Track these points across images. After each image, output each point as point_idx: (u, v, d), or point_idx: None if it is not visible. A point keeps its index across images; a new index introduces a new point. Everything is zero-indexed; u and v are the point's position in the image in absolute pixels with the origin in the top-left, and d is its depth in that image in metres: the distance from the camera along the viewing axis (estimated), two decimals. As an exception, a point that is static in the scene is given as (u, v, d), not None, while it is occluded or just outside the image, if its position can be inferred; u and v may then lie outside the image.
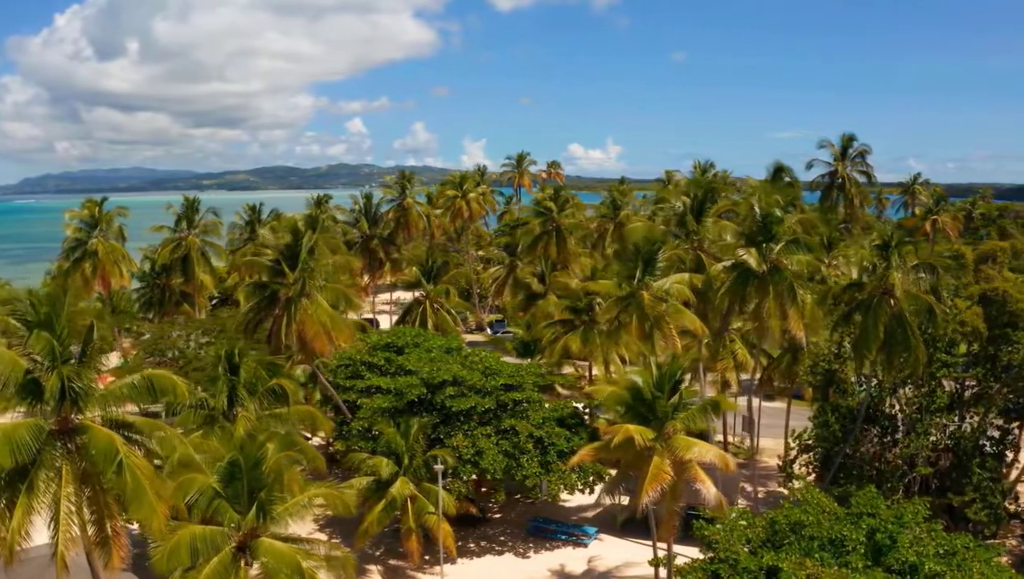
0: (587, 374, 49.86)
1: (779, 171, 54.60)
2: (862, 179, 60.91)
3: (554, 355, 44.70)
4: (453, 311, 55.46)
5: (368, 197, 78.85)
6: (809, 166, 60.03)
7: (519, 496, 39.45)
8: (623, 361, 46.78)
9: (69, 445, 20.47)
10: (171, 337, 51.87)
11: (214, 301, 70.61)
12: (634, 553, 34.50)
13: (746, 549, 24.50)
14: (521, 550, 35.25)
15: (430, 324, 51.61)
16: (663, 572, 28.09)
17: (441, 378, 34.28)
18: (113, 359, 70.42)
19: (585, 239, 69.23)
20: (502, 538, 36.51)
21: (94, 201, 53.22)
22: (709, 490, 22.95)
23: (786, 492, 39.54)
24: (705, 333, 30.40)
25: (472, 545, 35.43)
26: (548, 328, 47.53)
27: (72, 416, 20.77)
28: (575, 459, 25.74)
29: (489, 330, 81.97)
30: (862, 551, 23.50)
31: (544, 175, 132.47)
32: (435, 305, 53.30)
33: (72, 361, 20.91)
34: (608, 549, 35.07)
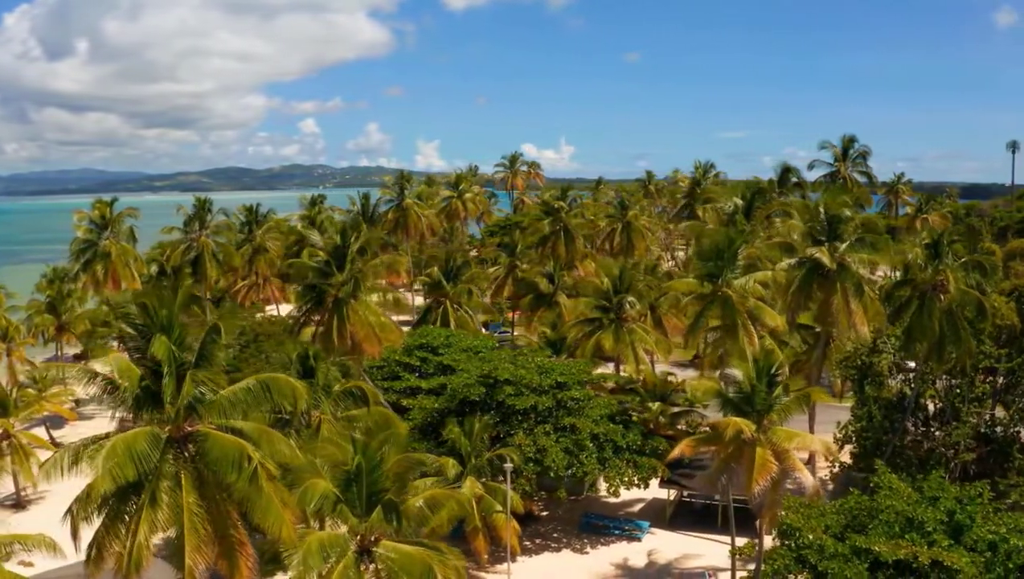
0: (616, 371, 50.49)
1: (786, 172, 56.22)
2: (862, 180, 63.26)
3: (586, 353, 45.18)
4: (471, 311, 55.58)
5: (366, 197, 78.36)
6: (811, 167, 62.10)
7: (559, 493, 39.80)
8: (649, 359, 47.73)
9: (185, 453, 19.91)
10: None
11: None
12: (689, 546, 35.21)
13: (822, 534, 25.29)
14: (577, 546, 35.62)
15: (452, 324, 51.60)
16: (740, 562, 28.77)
17: (503, 377, 34.40)
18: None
19: (588, 239, 70.00)
20: (555, 535, 36.82)
21: (104, 202, 51.60)
22: (807, 478, 23.75)
23: (818, 482, 40.85)
24: (785, 329, 31.40)
25: (527, 543, 35.62)
26: (574, 327, 48.12)
27: (184, 423, 20.25)
28: (675, 452, 26.30)
29: (484, 330, 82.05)
30: (942, 531, 24.50)
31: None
32: (455, 305, 53.28)
33: (186, 365, 20.40)
34: (662, 542, 35.67)
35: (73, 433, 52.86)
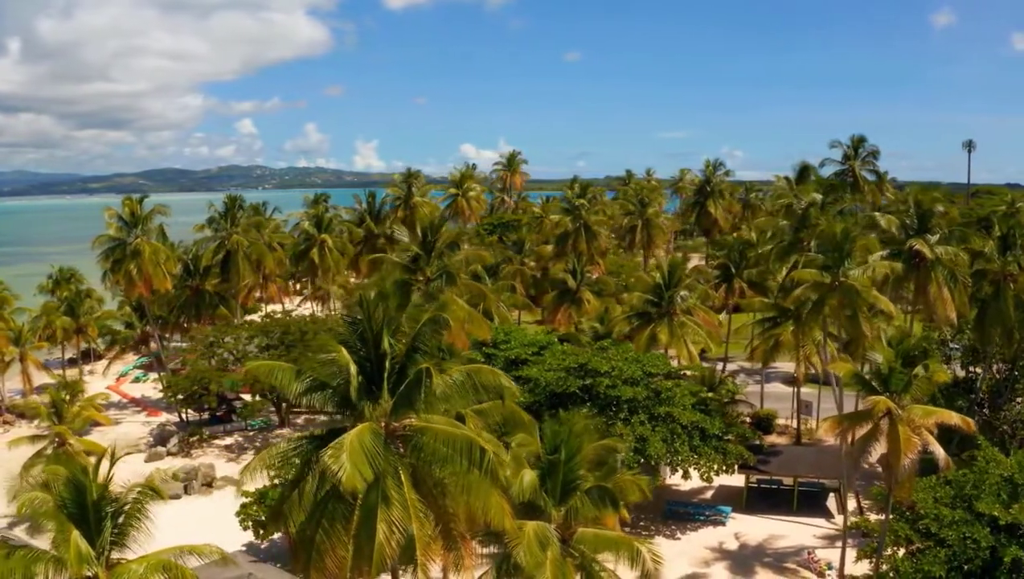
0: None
1: (805, 170, 58.52)
2: (871, 177, 66.25)
3: (641, 346, 46.12)
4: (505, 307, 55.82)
5: (372, 195, 77.71)
6: (822, 165, 64.67)
7: (657, 481, 40.42)
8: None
9: (401, 448, 19.57)
10: (225, 341, 49.50)
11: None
12: (772, 528, 36.52)
13: (934, 505, 26.75)
14: (667, 532, 36.46)
15: (495, 321, 51.72)
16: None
17: (603, 369, 34.97)
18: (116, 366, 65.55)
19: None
20: (641, 522, 37.51)
21: (132, 199, 49.74)
22: (939, 452, 25.17)
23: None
24: (896, 315, 32.95)
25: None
26: (623, 320, 49.07)
27: (392, 418, 19.83)
28: (822, 430, 27.33)
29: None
30: None
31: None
32: (497, 302, 53.38)
33: (397, 359, 20.02)
34: (745, 526, 36.85)
35: (103, 438, 50.86)
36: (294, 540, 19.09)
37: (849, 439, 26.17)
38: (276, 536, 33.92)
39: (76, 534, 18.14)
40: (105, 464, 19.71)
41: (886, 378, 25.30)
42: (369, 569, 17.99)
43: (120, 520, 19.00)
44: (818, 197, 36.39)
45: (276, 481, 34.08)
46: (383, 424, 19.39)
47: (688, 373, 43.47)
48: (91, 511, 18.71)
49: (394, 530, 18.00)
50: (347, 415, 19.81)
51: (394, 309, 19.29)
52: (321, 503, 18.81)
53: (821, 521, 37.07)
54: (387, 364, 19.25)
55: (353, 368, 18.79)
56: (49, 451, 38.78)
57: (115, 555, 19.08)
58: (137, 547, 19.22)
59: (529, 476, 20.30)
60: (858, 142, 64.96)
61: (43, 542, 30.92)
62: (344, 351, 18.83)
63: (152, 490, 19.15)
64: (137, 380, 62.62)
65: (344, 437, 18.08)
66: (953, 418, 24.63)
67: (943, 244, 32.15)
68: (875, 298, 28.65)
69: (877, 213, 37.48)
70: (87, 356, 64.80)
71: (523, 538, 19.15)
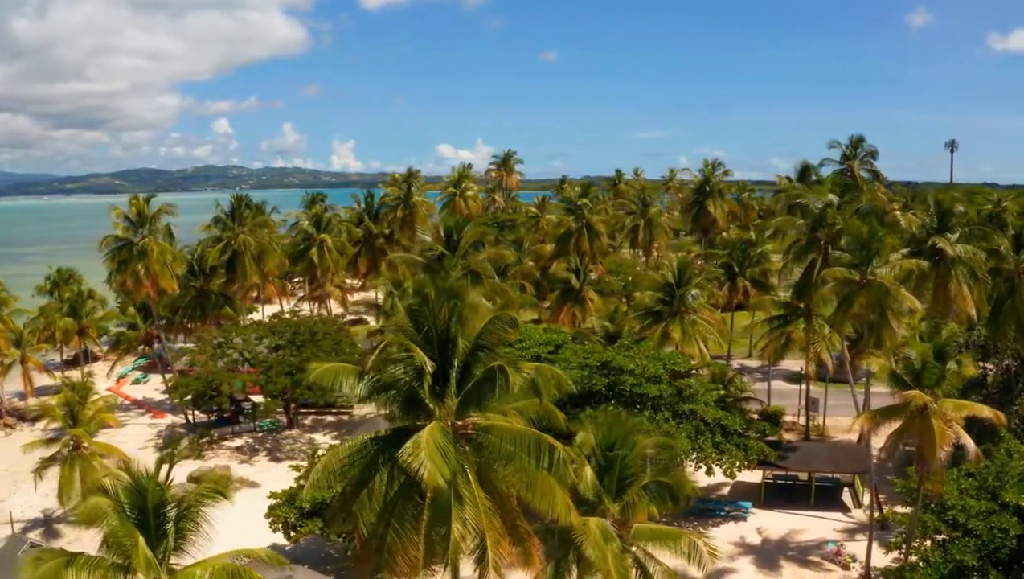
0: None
1: (806, 170, 59.35)
2: (868, 176, 67.33)
3: (652, 343, 46.45)
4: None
5: (371, 195, 77.56)
6: (821, 165, 65.67)
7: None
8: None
9: (466, 446, 19.56)
10: (234, 341, 49.04)
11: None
12: (791, 522, 37.06)
13: (959, 497, 27.36)
14: (690, 528, 36.70)
15: (505, 320, 51.86)
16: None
17: (628, 367, 35.24)
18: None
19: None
20: (663, 519, 37.69)
21: (139, 198, 49.06)
22: (970, 445, 25.78)
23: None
24: (921, 312, 33.60)
25: (643, 528, 36.58)
26: (634, 319, 49.39)
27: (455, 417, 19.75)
28: (858, 424, 27.76)
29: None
30: None
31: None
32: (514, 302, 53.50)
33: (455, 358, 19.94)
34: (766, 521, 37.34)
35: (109, 441, 50.16)
36: (363, 541, 18.96)
37: (873, 434, 26.62)
38: (302, 539, 33.67)
39: (142, 540, 17.91)
40: (164, 468, 19.54)
41: (919, 373, 25.83)
42: (440, 566, 18.02)
43: (180, 524, 18.82)
44: (834, 198, 37.19)
45: (302, 482, 33.99)
46: (449, 423, 19.41)
47: (700, 370, 43.92)
48: (151, 516, 18.49)
49: (468, 528, 18.05)
50: (408, 415, 19.79)
51: (462, 308, 19.30)
52: (391, 503, 18.78)
53: (838, 515, 37.70)
54: (455, 362, 19.25)
55: (429, 366, 18.77)
56: (63, 454, 38.25)
57: (172, 560, 18.90)
58: (196, 551, 19.10)
59: (590, 472, 20.47)
60: (857, 142, 66.08)
61: (59, 545, 30.31)
62: (419, 351, 18.77)
63: (218, 492, 18.96)
64: (137, 381, 61.75)
65: (418, 436, 18.01)
66: (984, 411, 25.28)
67: (963, 242, 32.98)
68: (903, 296, 29.28)
69: (899, 212, 38.31)
70: (85, 357, 63.83)
71: (588, 533, 19.31)
